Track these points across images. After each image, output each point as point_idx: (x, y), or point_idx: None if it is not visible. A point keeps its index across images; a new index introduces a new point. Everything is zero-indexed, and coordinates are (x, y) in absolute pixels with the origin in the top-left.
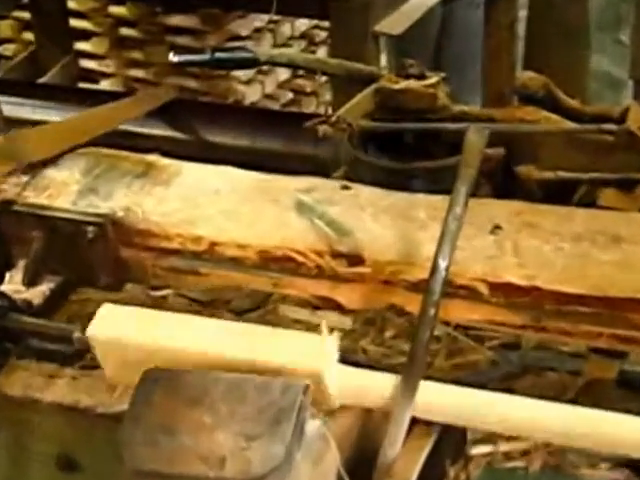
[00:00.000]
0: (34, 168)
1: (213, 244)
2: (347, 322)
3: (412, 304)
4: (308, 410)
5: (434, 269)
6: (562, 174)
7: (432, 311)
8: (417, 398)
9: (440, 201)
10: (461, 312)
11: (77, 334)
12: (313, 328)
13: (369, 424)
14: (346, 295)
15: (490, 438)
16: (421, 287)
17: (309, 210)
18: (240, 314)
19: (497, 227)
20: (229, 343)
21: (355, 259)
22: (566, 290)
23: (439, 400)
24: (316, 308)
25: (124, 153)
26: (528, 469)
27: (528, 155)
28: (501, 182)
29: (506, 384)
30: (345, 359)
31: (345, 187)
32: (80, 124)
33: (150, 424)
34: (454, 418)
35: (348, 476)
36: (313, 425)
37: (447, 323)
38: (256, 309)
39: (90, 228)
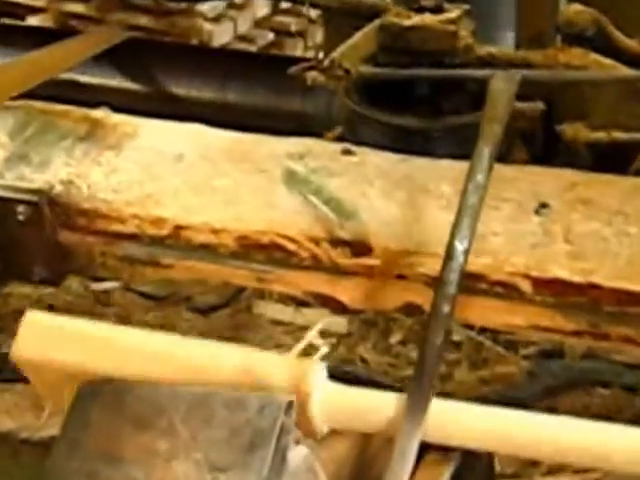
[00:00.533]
0: None
1: (178, 228)
2: (342, 324)
3: None
4: (292, 434)
5: (449, 254)
6: (617, 134)
7: (446, 308)
8: (428, 419)
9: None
10: (497, 315)
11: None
12: (297, 331)
13: (368, 452)
14: (349, 292)
15: (524, 471)
16: None
17: (302, 183)
18: (204, 313)
19: (543, 205)
20: (176, 366)
21: (360, 248)
22: (631, 288)
23: (456, 422)
24: (303, 305)
25: (63, 107)
26: None
27: (574, 111)
28: (540, 145)
29: (546, 402)
30: (338, 372)
31: (347, 152)
32: (7, 72)
33: (88, 451)
34: (477, 442)
35: None
36: (298, 453)
37: (479, 328)
38: (224, 306)
39: (21, 207)
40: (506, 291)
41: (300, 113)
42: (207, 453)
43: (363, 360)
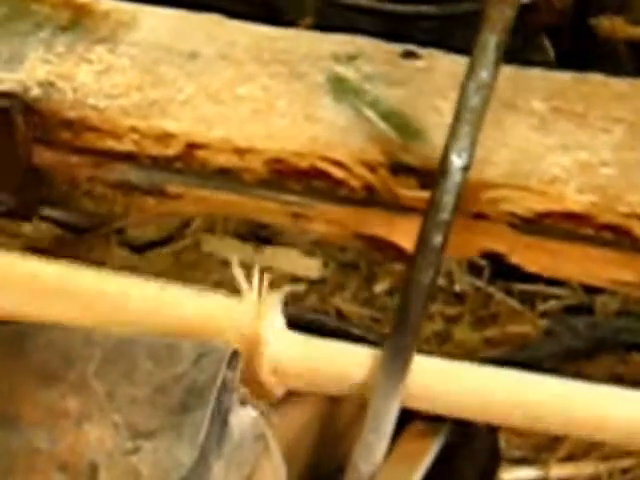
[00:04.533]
0: None
1: (190, 146)
2: (314, 266)
3: (522, 253)
4: (236, 392)
5: (443, 170)
6: None
7: (437, 238)
8: (409, 379)
9: (574, 80)
10: (602, 268)
11: None
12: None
13: (336, 420)
14: (412, 235)
15: (538, 456)
16: (540, 226)
17: (352, 92)
18: (140, 250)
19: None
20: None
21: (429, 177)
22: None
23: (444, 383)
24: (265, 243)
25: None
26: None
27: (611, 1)
28: (570, 44)
29: (568, 366)
30: (299, 320)
31: (410, 54)
32: None
33: None
34: (470, 409)
35: None
36: (243, 417)
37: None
38: (165, 242)
39: None
40: (616, 237)
41: None
42: (127, 414)
43: (339, 313)
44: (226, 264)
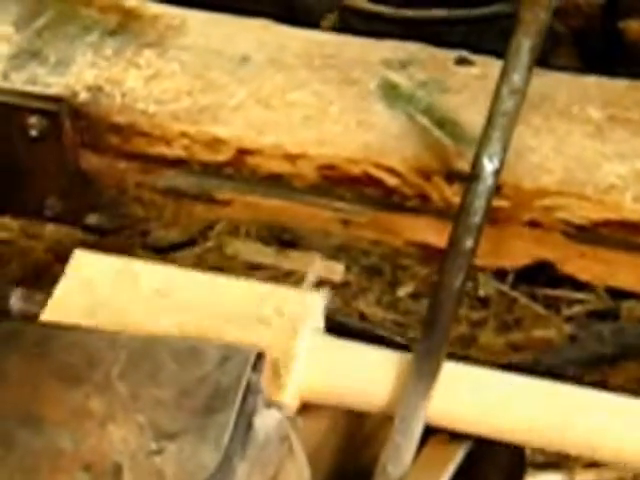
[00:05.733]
0: None
1: (241, 152)
2: (337, 270)
3: (575, 261)
4: (261, 394)
5: (475, 174)
6: None
7: (468, 243)
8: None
9: (629, 88)
10: None
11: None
12: (281, 278)
13: (361, 423)
14: None
15: (562, 460)
16: (594, 234)
17: (406, 99)
18: (163, 252)
19: None
20: None
21: None
22: None
23: (471, 392)
24: (288, 246)
25: None
26: None
27: None
28: (598, 46)
29: (592, 373)
30: (329, 325)
31: (463, 60)
32: None
33: (1, 409)
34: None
35: None
36: (268, 419)
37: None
38: (189, 245)
39: (33, 119)
40: None
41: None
42: (152, 415)
43: (363, 316)
44: (249, 267)
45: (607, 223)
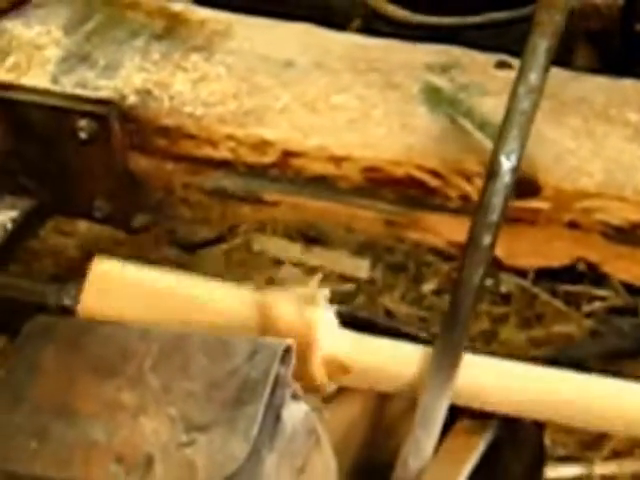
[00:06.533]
0: None
1: (287, 154)
2: (363, 267)
3: (614, 262)
4: (289, 387)
5: (493, 172)
6: None
7: (487, 239)
8: (459, 376)
9: None
10: None
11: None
12: (307, 273)
13: (386, 415)
14: (506, 244)
15: (583, 454)
16: (633, 235)
17: (447, 102)
18: (191, 249)
19: None
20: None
21: (525, 186)
22: None
23: (493, 381)
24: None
25: None
26: None
27: None
28: (617, 48)
29: (612, 365)
30: (351, 318)
31: (503, 64)
32: None
33: (36, 402)
34: (518, 406)
35: None
36: (296, 411)
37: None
38: (216, 242)
39: (83, 122)
40: None
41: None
42: (182, 408)
43: (388, 312)
44: (276, 263)
45: None
